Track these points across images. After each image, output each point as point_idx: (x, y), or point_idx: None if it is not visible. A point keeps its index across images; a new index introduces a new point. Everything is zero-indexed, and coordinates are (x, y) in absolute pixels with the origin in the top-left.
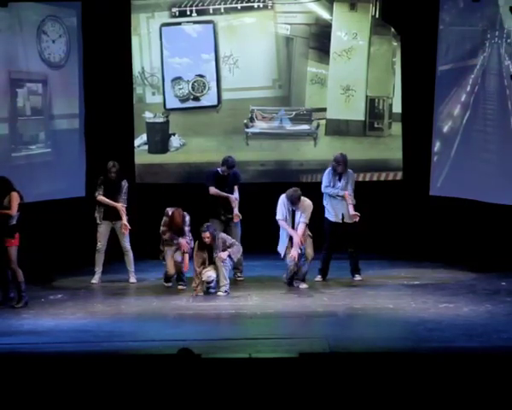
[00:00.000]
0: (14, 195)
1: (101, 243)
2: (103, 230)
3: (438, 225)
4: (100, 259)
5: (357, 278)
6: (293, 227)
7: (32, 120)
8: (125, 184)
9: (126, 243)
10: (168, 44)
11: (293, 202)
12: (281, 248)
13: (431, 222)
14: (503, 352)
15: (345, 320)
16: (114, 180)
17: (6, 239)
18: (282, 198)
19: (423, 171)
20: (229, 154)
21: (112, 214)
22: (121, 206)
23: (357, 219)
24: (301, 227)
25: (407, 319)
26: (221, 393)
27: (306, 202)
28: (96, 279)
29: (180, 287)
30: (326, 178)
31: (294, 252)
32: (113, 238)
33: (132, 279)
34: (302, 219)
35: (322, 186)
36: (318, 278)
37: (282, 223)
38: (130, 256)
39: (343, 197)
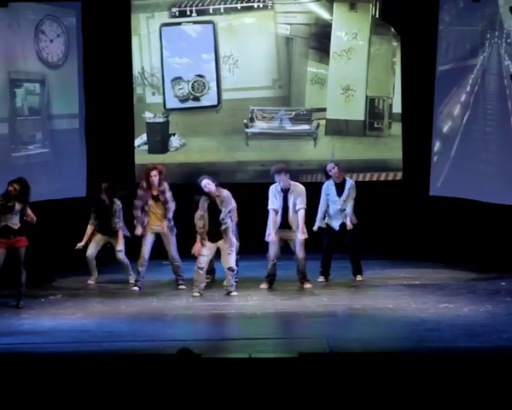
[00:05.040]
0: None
1: (90, 252)
2: (95, 240)
3: (438, 225)
4: (91, 265)
5: (359, 278)
6: (285, 212)
7: (30, 119)
8: (116, 205)
9: (120, 254)
10: (168, 44)
11: (273, 174)
12: (270, 250)
13: (431, 222)
14: (503, 352)
15: (345, 320)
16: (106, 203)
17: (19, 239)
18: (271, 189)
19: (423, 171)
20: (229, 154)
21: (107, 230)
22: (119, 232)
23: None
24: (302, 213)
25: (407, 319)
26: (221, 393)
27: (299, 187)
28: (92, 280)
29: (180, 287)
30: (324, 189)
31: (302, 237)
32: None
33: (132, 280)
34: (300, 205)
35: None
36: (321, 279)
37: (271, 214)
38: (125, 264)
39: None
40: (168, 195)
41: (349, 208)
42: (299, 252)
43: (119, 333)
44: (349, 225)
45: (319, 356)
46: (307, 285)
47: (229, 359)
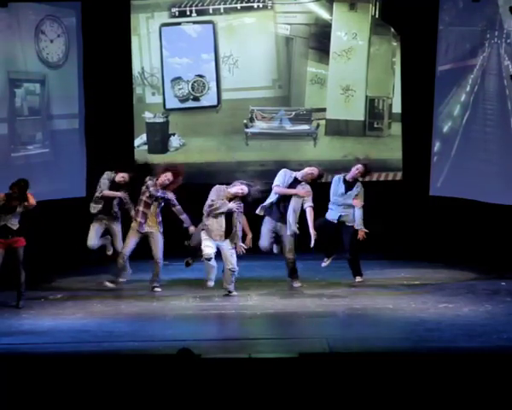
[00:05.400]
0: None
1: (93, 243)
2: (95, 228)
3: (438, 225)
4: (99, 245)
5: (358, 279)
6: (285, 212)
7: (30, 120)
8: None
9: (120, 245)
10: (168, 44)
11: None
12: (262, 242)
13: (431, 222)
14: (503, 352)
15: (345, 320)
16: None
17: (17, 239)
18: (284, 170)
19: (423, 171)
20: (229, 154)
21: (107, 213)
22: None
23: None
24: (310, 212)
25: (407, 319)
26: (221, 393)
27: (308, 186)
28: (109, 250)
29: (156, 289)
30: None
31: (314, 236)
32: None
33: (121, 279)
34: (308, 203)
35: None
36: (325, 260)
37: (278, 189)
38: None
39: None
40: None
41: (358, 213)
42: (289, 252)
43: (119, 333)
44: (361, 234)
45: (319, 356)
46: (296, 284)
47: (229, 359)
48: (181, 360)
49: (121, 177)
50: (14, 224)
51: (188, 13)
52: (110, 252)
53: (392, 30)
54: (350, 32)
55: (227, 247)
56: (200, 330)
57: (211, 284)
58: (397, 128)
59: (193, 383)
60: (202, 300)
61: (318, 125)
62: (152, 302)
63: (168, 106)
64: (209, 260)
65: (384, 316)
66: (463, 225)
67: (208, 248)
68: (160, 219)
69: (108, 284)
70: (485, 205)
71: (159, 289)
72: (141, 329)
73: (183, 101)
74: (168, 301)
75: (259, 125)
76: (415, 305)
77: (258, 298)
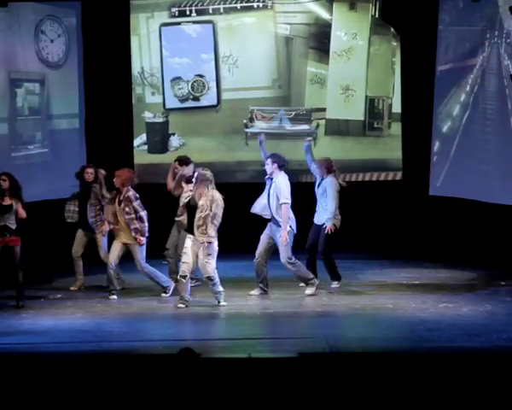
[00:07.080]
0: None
1: (76, 250)
2: (80, 236)
3: (437, 225)
4: (78, 266)
5: (334, 285)
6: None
7: (30, 119)
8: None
9: (104, 254)
10: (168, 44)
11: (286, 161)
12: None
13: (431, 222)
14: (503, 352)
15: (344, 320)
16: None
17: (13, 238)
18: (285, 180)
19: (423, 171)
20: (229, 153)
21: (89, 225)
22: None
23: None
24: (286, 208)
25: (407, 318)
26: (221, 393)
27: (279, 178)
28: (76, 286)
29: (163, 294)
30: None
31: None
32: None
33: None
34: (283, 199)
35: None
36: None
37: (287, 208)
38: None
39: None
40: (136, 203)
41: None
42: (284, 255)
43: (118, 333)
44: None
45: (319, 356)
46: (308, 291)
47: (229, 358)
48: (183, 360)
49: (89, 173)
50: (12, 223)
51: (187, 13)
52: (74, 288)
53: (392, 30)
54: (350, 32)
55: (201, 255)
56: (200, 330)
57: (182, 305)
58: (397, 128)
59: (193, 382)
60: (202, 300)
61: (318, 125)
62: (152, 302)
63: (168, 106)
64: (184, 277)
65: (384, 316)
66: (463, 224)
67: (184, 264)
68: (134, 226)
69: (113, 297)
70: (484, 205)
71: (165, 295)
72: (141, 329)
73: (182, 101)
74: (168, 301)
75: (259, 125)
76: (415, 305)
77: (257, 298)
